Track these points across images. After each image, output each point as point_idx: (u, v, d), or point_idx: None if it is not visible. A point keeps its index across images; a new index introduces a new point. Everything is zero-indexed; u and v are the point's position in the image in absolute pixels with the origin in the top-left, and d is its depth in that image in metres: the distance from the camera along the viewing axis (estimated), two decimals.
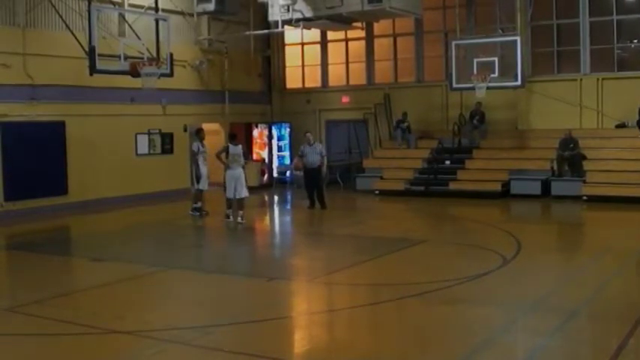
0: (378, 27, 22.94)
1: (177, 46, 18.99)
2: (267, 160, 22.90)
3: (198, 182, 16.14)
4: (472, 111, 20.69)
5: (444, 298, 8.75)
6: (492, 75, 19.13)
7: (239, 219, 14.98)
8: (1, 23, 16.42)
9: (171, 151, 20.46)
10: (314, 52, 24.45)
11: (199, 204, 16.34)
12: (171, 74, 17.24)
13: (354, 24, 21.32)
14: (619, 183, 17.26)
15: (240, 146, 15.29)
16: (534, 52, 20.84)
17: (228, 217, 15.34)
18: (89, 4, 15.96)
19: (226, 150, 15.17)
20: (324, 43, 24.18)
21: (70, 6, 17.54)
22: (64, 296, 9.28)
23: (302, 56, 24.68)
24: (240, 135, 22.67)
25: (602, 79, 19.65)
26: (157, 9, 17.79)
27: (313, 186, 17.33)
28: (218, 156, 15.38)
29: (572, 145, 18.38)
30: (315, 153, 17.20)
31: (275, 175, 23.15)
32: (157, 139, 20.10)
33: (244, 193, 15.04)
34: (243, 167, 15.24)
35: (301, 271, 11.10)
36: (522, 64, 19.21)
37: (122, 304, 8.86)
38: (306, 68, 24.68)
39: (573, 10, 19.98)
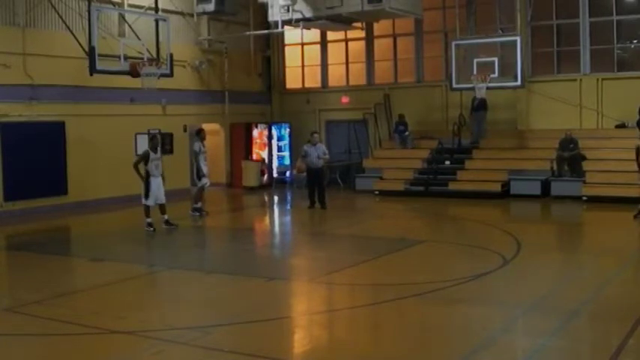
0: (378, 27, 22.94)
1: (177, 46, 19.00)
2: (267, 160, 22.91)
3: (200, 179, 16.16)
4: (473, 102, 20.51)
5: (444, 298, 8.75)
6: (492, 75, 19.15)
7: (166, 223, 14.51)
8: (1, 23, 16.43)
9: (171, 151, 20.43)
10: (314, 53, 24.45)
11: (200, 204, 16.38)
12: (171, 74, 17.24)
13: (354, 24, 21.34)
14: (619, 183, 17.24)
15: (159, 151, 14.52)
16: (534, 52, 20.83)
17: (168, 223, 14.53)
18: (89, 4, 15.97)
19: (146, 157, 14.33)
20: (324, 43, 24.18)
21: (70, 6, 17.55)
22: (64, 296, 9.28)
23: (302, 56, 24.68)
24: (240, 135, 22.81)
25: (602, 79, 19.65)
26: (156, 9, 17.79)
27: (315, 186, 17.32)
28: (136, 166, 14.31)
29: (572, 146, 18.37)
30: (318, 153, 17.17)
31: (275, 175, 23.16)
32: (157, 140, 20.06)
33: (164, 198, 14.48)
34: (163, 175, 14.51)
35: (301, 271, 11.10)
36: (522, 64, 19.24)
37: (122, 304, 8.86)
38: (306, 68, 24.68)
39: (573, 10, 19.98)
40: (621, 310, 8.03)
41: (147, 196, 14.23)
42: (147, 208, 14.35)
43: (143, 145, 19.57)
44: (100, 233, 14.87)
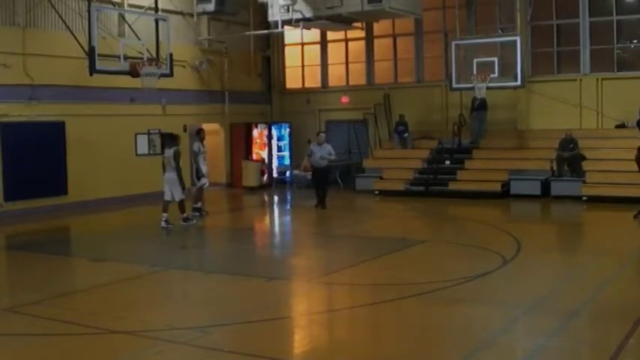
0: (378, 27, 22.94)
1: (177, 46, 19.00)
2: (266, 160, 22.91)
3: (199, 180, 16.19)
4: (473, 103, 20.49)
5: (444, 298, 8.75)
6: (492, 75, 19.15)
7: (184, 220, 14.80)
8: (1, 23, 16.43)
9: None
10: (314, 53, 24.45)
11: (199, 204, 16.36)
12: (171, 74, 17.26)
13: (354, 24, 21.35)
14: (619, 183, 17.26)
15: (172, 149, 14.70)
16: (534, 52, 20.84)
17: (167, 222, 14.64)
18: (89, 4, 15.99)
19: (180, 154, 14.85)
20: (324, 43, 24.17)
21: (70, 6, 17.55)
22: (64, 296, 9.28)
23: (302, 56, 24.68)
24: (240, 135, 22.81)
25: (602, 79, 19.65)
26: (156, 9, 17.80)
27: (318, 186, 17.33)
28: (179, 166, 14.73)
29: (571, 146, 18.37)
30: (322, 153, 17.17)
31: (275, 175, 23.16)
32: (157, 139, 20.09)
33: (178, 196, 14.65)
34: (177, 170, 14.62)
35: (301, 271, 11.10)
36: (522, 64, 19.24)
37: (122, 304, 8.86)
38: (306, 68, 24.69)
39: (573, 10, 19.98)
40: (621, 310, 8.03)
41: (184, 189, 14.70)
42: (183, 204, 14.76)
43: (143, 145, 19.69)
44: (100, 233, 14.87)
